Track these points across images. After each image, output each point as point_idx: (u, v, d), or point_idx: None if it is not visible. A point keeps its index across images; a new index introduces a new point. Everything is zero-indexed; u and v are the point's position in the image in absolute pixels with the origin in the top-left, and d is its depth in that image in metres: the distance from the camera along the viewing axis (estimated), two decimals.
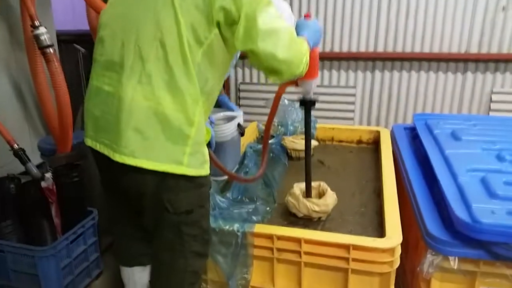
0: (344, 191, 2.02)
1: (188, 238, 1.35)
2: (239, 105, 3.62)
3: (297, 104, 2.62)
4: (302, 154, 2.39)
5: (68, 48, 3.35)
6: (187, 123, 1.23)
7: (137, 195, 1.31)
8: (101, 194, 2.13)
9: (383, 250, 1.46)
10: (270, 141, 2.38)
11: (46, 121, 2.12)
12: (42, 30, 1.83)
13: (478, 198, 1.54)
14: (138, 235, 1.51)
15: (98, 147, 1.31)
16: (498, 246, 1.41)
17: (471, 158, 1.85)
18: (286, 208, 1.84)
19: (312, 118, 1.81)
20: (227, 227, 1.61)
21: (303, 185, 1.84)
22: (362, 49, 3.37)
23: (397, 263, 1.49)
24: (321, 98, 3.27)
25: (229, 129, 2.08)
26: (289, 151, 2.47)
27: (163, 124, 1.21)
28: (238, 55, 2.36)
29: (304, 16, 1.54)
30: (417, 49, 3.26)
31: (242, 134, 2.24)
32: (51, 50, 1.86)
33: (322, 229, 1.71)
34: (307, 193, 1.81)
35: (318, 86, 3.34)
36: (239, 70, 3.71)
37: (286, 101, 2.62)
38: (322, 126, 2.77)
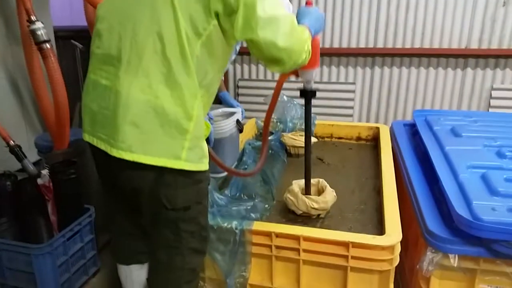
0: (344, 188, 2.01)
1: (186, 235, 1.34)
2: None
3: (296, 101, 2.65)
4: (301, 151, 2.39)
5: (65, 44, 3.33)
6: (185, 117, 1.21)
7: (135, 191, 1.29)
8: (98, 191, 2.13)
9: (382, 248, 1.44)
10: (269, 138, 2.36)
11: (43, 117, 2.10)
12: (38, 25, 1.81)
13: (479, 195, 1.53)
14: (135, 232, 1.50)
15: (96, 142, 1.30)
16: (498, 244, 1.39)
17: (471, 155, 1.84)
18: (285, 205, 1.82)
19: (311, 115, 1.79)
20: (225, 224, 1.59)
21: (302, 182, 1.83)
22: (362, 44, 3.35)
23: (396, 261, 1.47)
24: (320, 94, 3.25)
25: (228, 126, 2.06)
26: (288, 148, 2.45)
27: (161, 118, 1.19)
28: (238, 48, 2.34)
29: (306, 3, 1.52)
30: (417, 45, 3.25)
31: (241, 130, 2.23)
32: (48, 45, 1.84)
33: (321, 227, 1.70)
34: (306, 190, 1.80)
35: (317, 82, 3.32)
36: (238, 67, 3.69)
37: (285, 98, 2.60)
38: (321, 123, 2.76)
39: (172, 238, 1.34)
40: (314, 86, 1.70)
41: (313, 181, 1.83)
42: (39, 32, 1.80)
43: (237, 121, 2.15)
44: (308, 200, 1.71)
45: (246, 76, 3.70)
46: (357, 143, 2.71)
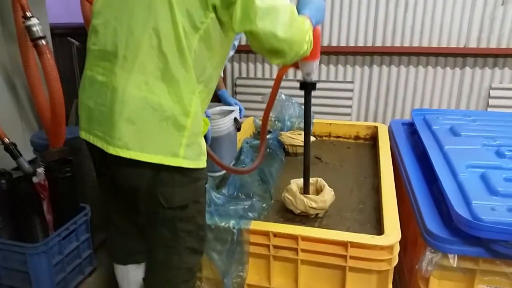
0: (342, 188, 1.99)
1: (183, 234, 1.32)
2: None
3: (294, 99, 2.64)
4: (299, 150, 2.38)
5: (62, 42, 3.32)
6: (182, 113, 1.19)
7: (131, 189, 1.28)
8: (94, 189, 2.12)
9: (381, 248, 1.43)
10: (267, 136, 2.35)
11: (38, 114, 2.08)
12: (34, 21, 1.80)
13: (478, 194, 1.52)
14: (132, 231, 1.49)
15: (92, 139, 1.28)
16: (498, 244, 1.38)
17: (470, 154, 1.83)
18: (283, 204, 1.81)
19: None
20: (222, 223, 1.58)
21: (300, 181, 1.81)
22: (360, 43, 3.34)
23: (395, 261, 1.46)
24: (318, 93, 3.25)
25: (225, 124, 2.05)
26: (286, 146, 2.44)
27: (157, 114, 1.17)
28: (236, 44, 2.33)
29: None
30: (415, 44, 3.23)
31: (238, 129, 2.22)
32: (43, 41, 1.83)
33: (320, 226, 1.69)
34: (305, 189, 1.78)
35: (315, 80, 3.31)
36: (236, 65, 3.67)
37: (283, 96, 2.59)
38: (319, 122, 2.75)
39: (169, 237, 1.32)
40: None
41: (311, 180, 1.82)
42: (34, 29, 1.79)
43: (235, 119, 2.14)
44: (306, 199, 1.70)
45: (244, 74, 3.68)
46: (355, 142, 2.70)
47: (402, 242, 1.48)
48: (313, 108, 1.73)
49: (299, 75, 3.51)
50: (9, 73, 2.17)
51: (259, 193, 1.88)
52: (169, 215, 1.29)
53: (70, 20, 3.57)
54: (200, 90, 1.25)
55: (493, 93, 3.21)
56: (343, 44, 3.37)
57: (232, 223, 1.58)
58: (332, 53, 3.41)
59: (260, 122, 2.43)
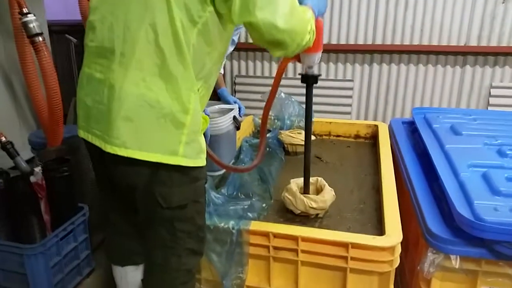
0: (342, 187, 1.98)
1: (182, 235, 1.31)
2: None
3: (294, 98, 2.62)
4: (299, 149, 2.36)
5: (60, 39, 3.29)
6: (181, 110, 1.17)
7: (129, 188, 1.26)
8: (92, 189, 2.10)
9: (383, 249, 1.42)
10: (267, 135, 2.34)
11: (36, 113, 2.06)
12: (30, 17, 1.77)
13: (480, 194, 1.51)
14: (131, 232, 1.47)
15: (90, 138, 1.27)
16: (501, 245, 1.37)
17: (471, 153, 1.82)
18: (283, 204, 1.79)
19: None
20: (222, 224, 1.56)
21: (300, 180, 1.80)
22: (360, 41, 3.32)
23: (397, 262, 1.45)
24: (317, 91, 3.24)
25: (224, 122, 2.03)
26: (285, 145, 2.42)
27: (155, 112, 1.15)
28: (236, 40, 2.31)
29: None
30: (415, 42, 3.22)
31: (238, 127, 2.20)
32: (41, 38, 1.80)
33: (320, 227, 1.67)
34: (305, 189, 1.77)
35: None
36: (235, 63, 3.65)
37: (283, 95, 2.58)
38: (319, 120, 2.73)
39: (168, 238, 1.31)
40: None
41: (311, 179, 1.81)
42: (31, 25, 1.76)
43: (234, 118, 2.12)
44: (306, 199, 1.68)
45: (243, 72, 3.66)
46: (355, 141, 2.68)
47: (403, 243, 1.47)
48: (312, 107, 1.71)
49: (299, 74, 3.49)
50: (6, 70, 2.15)
51: (259, 192, 1.86)
52: (168, 215, 1.27)
53: (68, 17, 3.54)
54: (199, 86, 1.23)
55: (493, 91, 3.19)
56: (343, 42, 3.35)
57: (231, 223, 1.56)
58: (331, 51, 3.39)
59: (260, 121, 2.41)
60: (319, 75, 1.64)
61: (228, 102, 2.31)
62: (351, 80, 3.43)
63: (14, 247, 1.63)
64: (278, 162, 2.25)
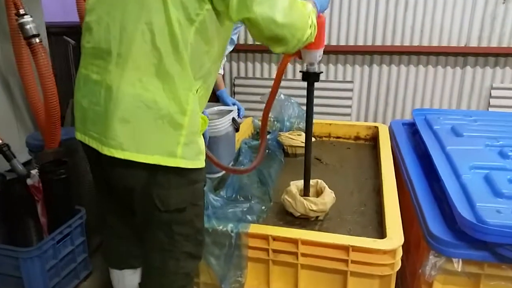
0: (342, 189, 1.96)
1: (180, 238, 1.29)
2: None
3: (294, 99, 2.60)
4: (299, 151, 2.34)
5: (58, 41, 3.28)
6: (179, 111, 1.15)
7: (126, 190, 1.24)
8: (90, 192, 2.08)
9: (384, 252, 1.40)
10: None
11: (33, 115, 2.05)
12: (27, 18, 1.76)
13: (482, 196, 1.48)
14: (129, 235, 1.45)
15: (87, 140, 1.25)
16: (504, 248, 1.35)
17: (473, 155, 1.80)
18: (282, 207, 1.77)
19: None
20: (220, 227, 1.54)
21: (299, 183, 1.78)
22: (360, 42, 3.31)
23: (398, 265, 1.43)
24: (317, 93, 3.22)
25: (223, 124, 2.02)
26: (285, 147, 2.40)
27: (153, 113, 1.13)
28: (235, 39, 2.29)
29: None
30: (415, 43, 3.21)
31: (237, 129, 2.18)
32: (37, 40, 1.79)
33: (320, 229, 1.65)
34: (305, 191, 1.75)
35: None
36: (234, 64, 3.64)
37: (282, 96, 2.57)
38: (318, 122, 2.71)
39: (166, 241, 1.29)
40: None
41: (311, 182, 1.79)
42: (28, 26, 1.75)
43: (233, 119, 2.11)
44: (306, 201, 1.67)
45: (242, 74, 3.65)
46: (355, 143, 2.66)
47: (404, 245, 1.45)
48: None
49: (298, 75, 3.48)
50: (3, 72, 2.13)
51: (258, 195, 1.85)
52: (165, 218, 1.25)
53: (66, 18, 3.54)
54: (198, 86, 1.21)
55: (494, 92, 3.18)
56: (342, 43, 3.34)
57: (230, 226, 1.54)
58: (331, 52, 3.38)
59: (259, 123, 2.39)
60: (321, 72, 1.62)
61: (227, 104, 2.29)
62: (351, 82, 3.42)
63: (9, 250, 1.61)
64: (278, 164, 2.23)
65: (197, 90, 1.22)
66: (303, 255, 1.49)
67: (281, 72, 1.60)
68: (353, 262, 1.43)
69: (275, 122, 2.59)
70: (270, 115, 1.75)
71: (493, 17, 3.03)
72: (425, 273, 1.44)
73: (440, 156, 1.85)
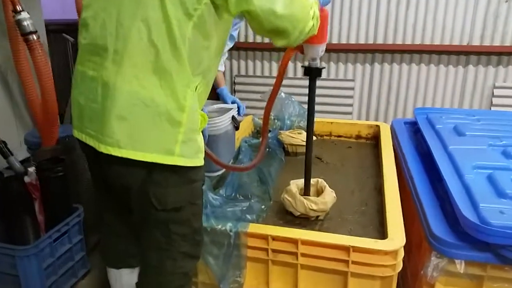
0: (343, 188, 1.94)
1: (177, 238, 1.27)
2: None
3: (294, 98, 2.59)
4: (299, 150, 2.32)
5: (57, 38, 3.26)
6: (177, 108, 1.13)
7: (123, 188, 1.23)
8: (88, 190, 2.06)
9: (385, 253, 1.38)
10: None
11: (31, 112, 2.03)
12: (24, 15, 1.74)
13: (486, 197, 1.46)
14: (126, 233, 1.44)
15: (84, 138, 1.23)
16: (507, 249, 1.33)
17: (476, 155, 1.78)
18: (282, 206, 1.75)
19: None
20: (219, 226, 1.53)
21: (300, 182, 1.76)
22: (361, 40, 3.29)
23: (399, 266, 1.41)
24: (318, 91, 3.19)
25: (223, 122, 2.00)
26: (285, 146, 2.39)
27: (150, 110, 1.11)
28: (235, 35, 2.27)
29: None
30: (417, 41, 3.19)
31: (236, 127, 2.16)
32: (35, 36, 1.77)
33: (320, 229, 1.63)
34: (305, 191, 1.73)
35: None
36: (235, 62, 3.62)
37: (283, 94, 2.55)
38: (319, 120, 2.69)
39: (163, 241, 1.27)
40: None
41: (311, 181, 1.77)
42: (25, 23, 1.73)
43: (233, 117, 2.09)
44: (306, 201, 1.65)
45: (243, 72, 3.63)
46: (356, 142, 2.64)
47: (406, 246, 1.42)
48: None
49: (299, 73, 3.46)
50: (1, 69, 2.12)
51: (258, 194, 1.83)
52: (162, 217, 1.23)
53: (65, 16, 3.52)
54: (197, 83, 1.19)
55: (496, 91, 3.16)
56: (343, 41, 3.32)
57: (229, 225, 1.52)
58: (332, 51, 3.36)
59: (259, 121, 2.37)
60: (323, 67, 1.59)
61: (227, 102, 2.27)
62: (352, 80, 3.40)
63: (6, 248, 1.59)
64: (278, 162, 2.21)
65: (196, 86, 1.20)
66: (303, 255, 1.47)
67: (283, 67, 1.58)
68: (353, 262, 1.42)
69: (276, 121, 2.57)
70: (270, 113, 1.74)
71: (496, 16, 3.01)
72: (427, 275, 1.42)
73: (443, 155, 1.83)
